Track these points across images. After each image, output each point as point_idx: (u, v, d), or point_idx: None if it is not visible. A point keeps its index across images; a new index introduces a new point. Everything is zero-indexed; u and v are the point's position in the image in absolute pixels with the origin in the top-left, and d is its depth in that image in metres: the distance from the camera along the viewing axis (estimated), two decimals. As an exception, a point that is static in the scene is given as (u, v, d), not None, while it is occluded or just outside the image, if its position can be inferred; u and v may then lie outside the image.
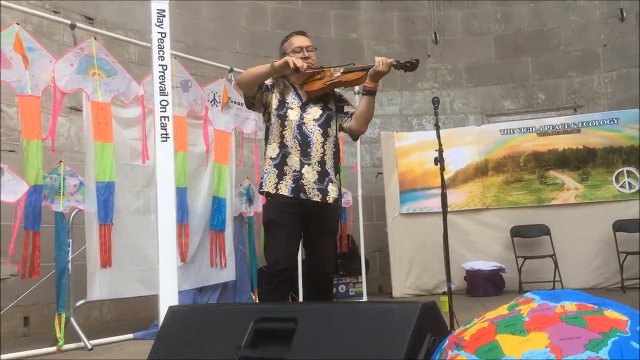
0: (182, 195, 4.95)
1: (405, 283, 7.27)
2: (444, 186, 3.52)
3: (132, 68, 5.82)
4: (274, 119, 3.10)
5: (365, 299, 6.90)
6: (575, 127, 7.22)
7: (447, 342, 1.49)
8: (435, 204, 6.74)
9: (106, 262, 4.38)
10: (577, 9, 8.32)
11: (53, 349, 4.12)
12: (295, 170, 3.00)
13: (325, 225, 3.09)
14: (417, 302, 1.68)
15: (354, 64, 3.21)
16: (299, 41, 3.18)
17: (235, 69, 5.93)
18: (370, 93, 3.06)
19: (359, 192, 6.96)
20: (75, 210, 4.53)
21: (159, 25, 3.38)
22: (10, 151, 5.14)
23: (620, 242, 6.52)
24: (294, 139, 3.02)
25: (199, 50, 6.68)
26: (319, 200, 3.01)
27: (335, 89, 3.20)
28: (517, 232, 7.03)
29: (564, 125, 7.27)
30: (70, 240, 4.45)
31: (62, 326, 4.18)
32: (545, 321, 1.33)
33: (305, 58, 3.09)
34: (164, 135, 3.32)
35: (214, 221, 5.42)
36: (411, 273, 7.29)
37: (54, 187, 4.34)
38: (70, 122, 5.76)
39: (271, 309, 1.84)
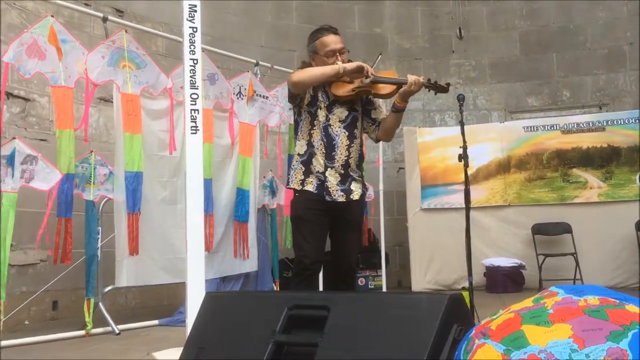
0: (207, 187, 5.03)
1: (424, 278, 7.31)
2: (467, 182, 3.55)
3: (160, 60, 5.93)
4: (304, 115, 3.11)
5: (384, 292, 6.95)
6: (599, 125, 7.18)
7: (473, 331, 1.55)
8: (456, 199, 6.78)
9: (134, 250, 4.49)
10: (605, 6, 8.24)
11: (81, 332, 4.25)
12: (319, 172, 3.04)
13: (351, 221, 3.14)
14: (445, 294, 1.75)
15: (380, 54, 3.22)
16: (332, 43, 3.08)
17: (261, 62, 6.01)
18: (400, 111, 3.11)
19: (381, 186, 7.00)
20: (105, 199, 4.65)
21: (190, 21, 3.46)
22: (42, 140, 5.28)
23: (642, 241, 6.51)
24: (320, 140, 3.04)
25: (225, 44, 6.77)
26: (344, 200, 3.05)
27: None
28: (539, 229, 7.03)
29: (589, 124, 7.24)
30: (100, 228, 4.58)
31: (91, 311, 4.30)
32: (569, 313, 1.40)
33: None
34: (194, 128, 3.40)
35: (237, 212, 5.51)
36: (431, 268, 7.33)
37: (85, 176, 4.46)
38: (100, 112, 5.89)
39: (305, 297, 1.92)
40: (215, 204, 5.29)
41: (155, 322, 4.79)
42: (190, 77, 3.44)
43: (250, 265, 5.68)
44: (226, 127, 5.50)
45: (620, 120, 7.12)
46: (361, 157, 3.17)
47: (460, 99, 3.66)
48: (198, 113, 3.41)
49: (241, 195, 5.54)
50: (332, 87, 3.06)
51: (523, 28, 8.58)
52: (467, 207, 3.55)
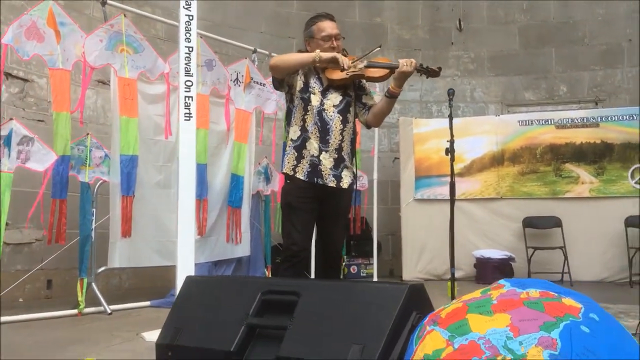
0: (202, 172, 5.10)
1: (416, 267, 7.41)
2: (453, 176, 3.63)
3: (159, 44, 5.97)
4: (297, 101, 3.18)
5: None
6: (594, 121, 7.24)
7: (427, 319, 1.67)
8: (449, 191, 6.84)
9: (126, 232, 4.56)
10: (604, 3, 8.27)
11: (74, 311, 4.33)
12: (313, 156, 3.11)
13: (338, 208, 3.23)
14: (406, 284, 1.88)
15: (379, 47, 3.28)
16: (329, 28, 3.20)
17: (259, 49, 6.04)
18: (394, 97, 3.16)
19: (375, 175, 7.07)
20: (100, 181, 4.71)
21: (187, 8, 3.52)
22: (39, 121, 5.34)
23: (630, 237, 6.60)
24: (314, 124, 3.11)
25: (224, 29, 6.79)
26: (334, 186, 3.13)
27: None
28: (530, 222, 7.11)
29: (583, 119, 7.29)
30: (94, 210, 4.64)
31: (84, 291, 4.38)
32: (510, 305, 1.51)
33: (332, 48, 3.16)
34: (188, 115, 3.47)
35: (231, 197, 5.58)
36: (422, 258, 7.43)
37: (81, 158, 4.52)
38: (97, 94, 5.94)
39: (277, 283, 2.06)
40: (210, 189, 5.36)
41: (147, 303, 4.88)
42: (185, 64, 3.51)
43: (242, 249, 5.76)
44: (222, 113, 5.55)
45: (614, 116, 7.18)
46: (354, 142, 3.24)
47: (450, 93, 3.72)
48: (192, 100, 3.48)
49: (235, 181, 5.61)
50: (326, 72, 3.15)
51: (523, 22, 8.61)
52: (452, 200, 3.63)
